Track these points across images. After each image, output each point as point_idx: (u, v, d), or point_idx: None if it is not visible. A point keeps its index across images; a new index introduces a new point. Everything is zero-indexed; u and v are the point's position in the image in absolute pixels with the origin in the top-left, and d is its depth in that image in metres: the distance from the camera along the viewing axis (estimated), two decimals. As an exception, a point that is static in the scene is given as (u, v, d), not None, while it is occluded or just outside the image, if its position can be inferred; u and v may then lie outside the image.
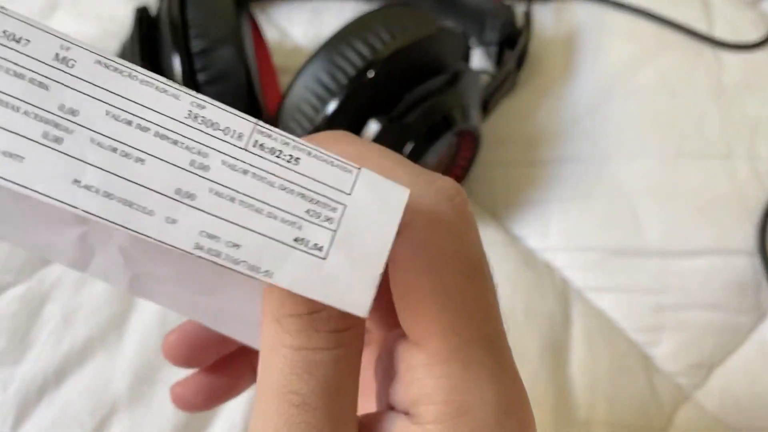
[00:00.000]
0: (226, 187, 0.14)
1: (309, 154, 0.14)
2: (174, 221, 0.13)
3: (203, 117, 0.14)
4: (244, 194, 0.14)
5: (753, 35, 0.50)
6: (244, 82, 0.38)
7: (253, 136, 0.14)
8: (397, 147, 0.37)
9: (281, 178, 0.14)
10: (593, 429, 0.36)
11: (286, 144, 0.14)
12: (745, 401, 0.38)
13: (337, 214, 0.14)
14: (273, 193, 0.14)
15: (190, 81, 0.38)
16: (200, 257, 0.13)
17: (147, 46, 0.40)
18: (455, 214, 0.17)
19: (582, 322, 0.39)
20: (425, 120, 0.38)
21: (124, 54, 0.41)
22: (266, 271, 0.14)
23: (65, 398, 0.35)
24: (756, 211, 0.42)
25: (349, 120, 0.37)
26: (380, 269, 0.14)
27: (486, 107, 0.45)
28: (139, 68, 0.14)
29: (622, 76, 0.47)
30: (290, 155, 0.14)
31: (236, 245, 0.14)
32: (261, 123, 0.14)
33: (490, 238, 0.42)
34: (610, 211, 0.43)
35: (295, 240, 0.14)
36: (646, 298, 0.40)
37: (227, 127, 0.14)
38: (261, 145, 0.14)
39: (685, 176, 0.43)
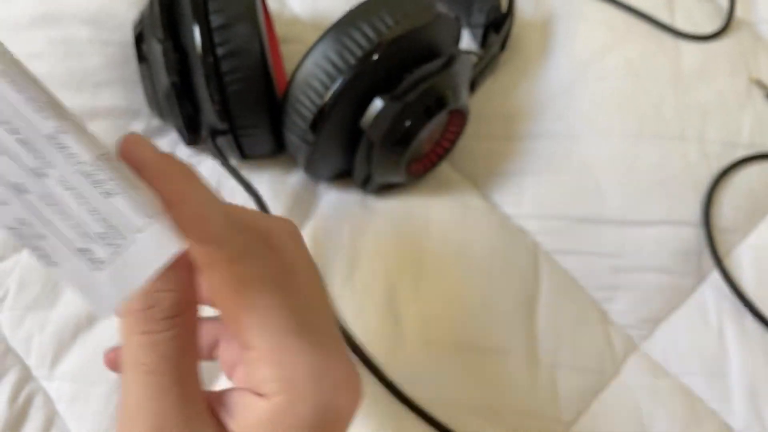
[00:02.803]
0: (52, 193, 0.19)
1: (123, 193, 0.19)
2: (5, 203, 0.18)
3: (61, 139, 0.19)
4: (62, 204, 0.19)
5: (709, 27, 0.55)
6: (259, 58, 0.42)
7: (90, 164, 0.19)
8: (397, 123, 0.42)
9: (94, 203, 0.19)
10: (557, 371, 0.42)
11: (111, 180, 0.19)
12: (684, 351, 0.44)
13: (123, 242, 0.19)
14: (83, 212, 0.19)
15: (210, 54, 0.41)
16: (12, 236, 0.18)
17: (167, 16, 0.43)
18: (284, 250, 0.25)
19: (549, 280, 0.45)
20: (423, 99, 0.42)
21: (144, 23, 0.44)
22: (54, 262, 0.19)
23: (97, 340, 0.40)
24: (703, 188, 0.48)
25: (354, 97, 0.41)
26: (129, 294, 0.19)
27: (473, 86, 0.49)
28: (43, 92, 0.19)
29: (593, 60, 0.53)
30: (108, 190, 0.19)
31: (42, 236, 0.19)
32: (101, 157, 0.19)
33: (471, 204, 0.47)
34: (578, 184, 0.48)
35: (84, 249, 0.19)
36: (604, 260, 0.46)
37: (74, 153, 0.19)
38: (91, 174, 0.19)
39: (644, 154, 0.49)
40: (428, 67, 0.42)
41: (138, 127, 0.48)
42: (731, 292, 0.45)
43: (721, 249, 0.47)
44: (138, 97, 0.49)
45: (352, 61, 0.41)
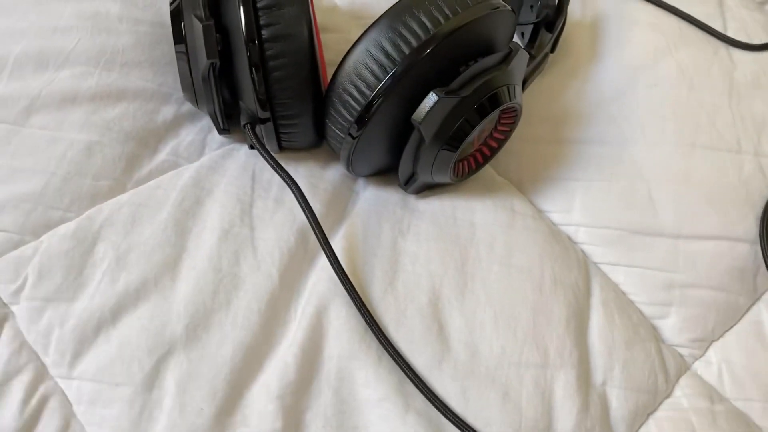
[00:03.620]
0: None
1: None
2: None
3: None
4: None
5: (762, 36, 0.53)
6: (307, 44, 0.39)
7: None
8: (450, 119, 0.39)
9: None
10: (608, 391, 0.40)
11: None
12: (740, 374, 0.42)
13: None
14: None
15: (255, 36, 0.38)
16: None
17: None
18: None
19: (601, 294, 0.43)
20: (479, 95, 0.40)
21: (184, 1, 0.41)
22: None
23: (122, 337, 0.37)
24: (759, 204, 0.46)
25: (406, 90, 0.39)
26: None
27: (524, 85, 0.47)
28: None
29: (645, 65, 0.50)
30: None
31: None
32: None
33: (518, 208, 0.45)
34: (629, 193, 0.46)
35: None
36: (658, 275, 0.44)
37: None
38: None
39: (698, 166, 0.47)
40: (486, 62, 0.40)
41: (168, 111, 0.45)
42: (788, 313, 0.43)
43: (778, 268, 0.45)
44: (168, 80, 0.46)
45: (407, 51, 0.38)
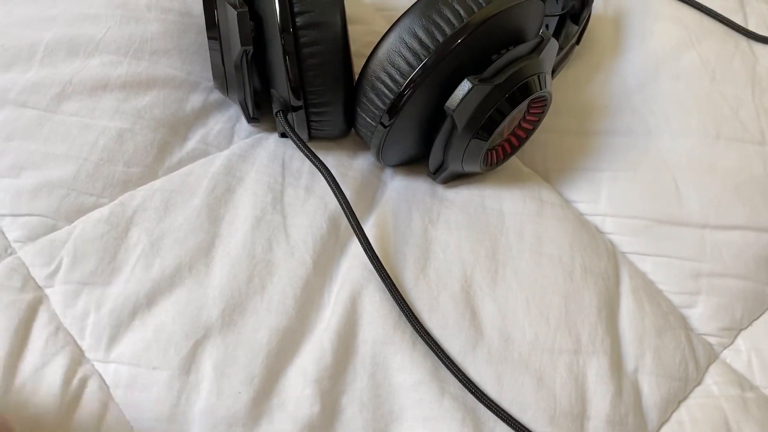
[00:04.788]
0: None
1: None
2: None
3: None
4: None
5: (782, 31, 0.54)
6: (340, 32, 0.39)
7: None
8: (483, 107, 0.39)
9: None
10: (640, 378, 0.40)
11: None
12: (768, 362, 0.42)
13: None
14: None
15: (290, 23, 0.39)
16: None
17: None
18: None
19: (630, 282, 0.43)
20: (511, 83, 0.40)
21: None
22: None
23: (158, 321, 0.37)
24: (783, 195, 0.47)
25: (439, 79, 0.39)
26: None
27: (552, 75, 0.47)
28: None
29: (669, 57, 0.51)
30: None
31: None
32: None
33: (546, 198, 0.45)
34: (655, 183, 0.46)
35: None
36: (685, 264, 0.44)
37: None
38: None
39: (723, 156, 0.47)
40: (518, 50, 0.40)
41: (197, 100, 0.45)
42: (815, 303, 0.43)
43: (803, 258, 0.45)
44: (197, 68, 0.46)
45: (441, 39, 0.38)
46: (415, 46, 0.39)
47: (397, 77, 0.39)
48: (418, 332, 0.38)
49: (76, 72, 0.43)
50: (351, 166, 0.45)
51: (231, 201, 0.41)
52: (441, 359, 0.38)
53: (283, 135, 0.45)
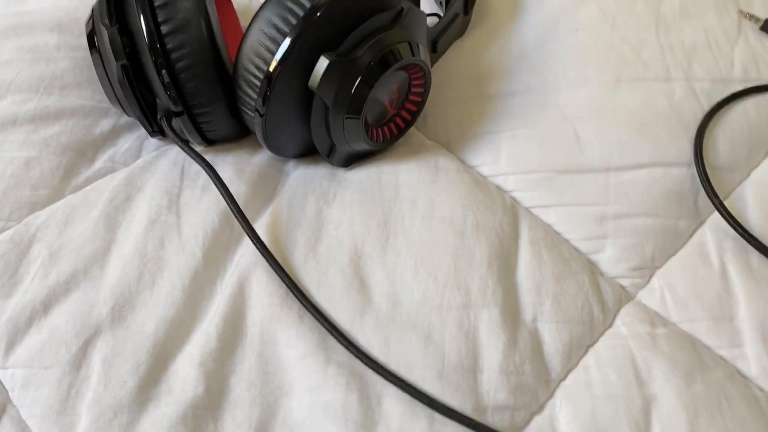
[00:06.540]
0: None
1: None
2: None
3: None
4: None
5: (691, -30, 0.52)
6: (204, 32, 0.41)
7: None
8: (346, 81, 0.40)
9: None
10: (540, 326, 0.39)
11: None
12: (685, 297, 0.40)
13: None
14: None
15: (155, 32, 0.41)
16: None
17: (115, 5, 0.43)
18: None
19: (529, 236, 0.42)
20: (372, 54, 0.40)
21: (94, 16, 0.44)
22: None
23: (52, 324, 0.38)
24: (693, 127, 0.45)
25: (301, 59, 0.40)
26: None
27: (435, 47, 0.47)
28: None
29: (565, 13, 0.50)
30: None
31: None
32: None
33: (442, 165, 0.45)
34: (555, 136, 0.45)
35: None
36: (589, 210, 0.43)
37: None
38: None
39: (625, 99, 0.46)
40: (375, 22, 0.41)
41: (107, 124, 0.48)
42: (735, 230, 0.41)
43: (722, 188, 0.43)
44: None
45: (295, 21, 0.40)
46: (274, 33, 0.40)
47: (262, 65, 0.40)
48: (304, 305, 0.39)
49: (-14, 113, 0.46)
50: (250, 162, 0.46)
51: (129, 209, 0.43)
52: (326, 328, 0.38)
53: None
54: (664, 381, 0.37)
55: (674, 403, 0.36)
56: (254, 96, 0.41)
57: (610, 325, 0.40)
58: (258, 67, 0.40)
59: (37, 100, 0.47)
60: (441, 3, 0.52)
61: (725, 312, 0.39)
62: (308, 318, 0.39)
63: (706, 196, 0.43)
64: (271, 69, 0.40)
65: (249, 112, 0.42)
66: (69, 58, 0.50)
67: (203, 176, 0.45)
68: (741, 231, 0.41)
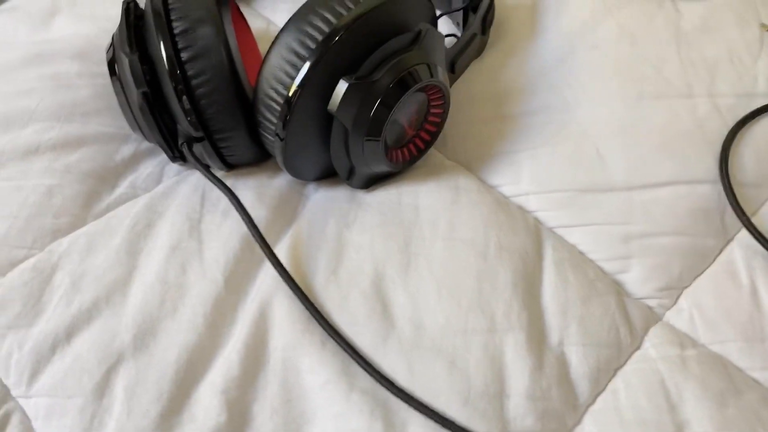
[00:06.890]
0: None
1: None
2: None
3: None
4: None
5: (710, -16, 0.52)
6: (224, 58, 0.41)
7: None
8: (365, 104, 0.40)
9: None
10: (566, 350, 0.38)
11: None
12: (714, 317, 0.39)
13: None
14: None
15: (175, 59, 0.41)
16: None
17: (135, 33, 0.43)
18: None
19: (553, 256, 0.41)
20: (390, 77, 0.40)
21: (115, 44, 0.45)
22: None
23: (75, 352, 0.38)
24: (717, 143, 0.44)
25: (320, 83, 0.40)
26: None
27: (453, 67, 0.47)
28: None
29: (584, 30, 0.50)
30: None
31: None
32: None
33: (463, 185, 0.44)
34: (576, 154, 0.45)
35: None
36: (613, 229, 0.42)
37: None
38: None
39: (647, 116, 0.46)
40: (393, 44, 0.41)
41: (127, 150, 0.48)
42: (764, 246, 0.40)
43: (749, 204, 0.43)
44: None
45: (313, 45, 0.40)
46: (293, 58, 0.40)
47: (282, 90, 0.40)
48: (326, 331, 0.38)
49: (8, 142, 0.47)
50: (270, 185, 0.46)
51: (150, 235, 0.43)
52: (349, 353, 0.37)
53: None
54: (696, 405, 0.36)
55: (707, 428, 0.35)
56: (274, 120, 0.41)
57: (638, 347, 0.39)
58: (278, 92, 0.40)
59: (59, 128, 0.48)
60: (458, 24, 0.52)
61: (757, 332, 0.38)
62: (331, 344, 0.38)
63: (733, 213, 0.42)
64: (290, 93, 0.40)
65: (269, 137, 0.42)
66: (90, 85, 0.50)
67: (224, 201, 0.45)
68: (771, 249, 0.40)
